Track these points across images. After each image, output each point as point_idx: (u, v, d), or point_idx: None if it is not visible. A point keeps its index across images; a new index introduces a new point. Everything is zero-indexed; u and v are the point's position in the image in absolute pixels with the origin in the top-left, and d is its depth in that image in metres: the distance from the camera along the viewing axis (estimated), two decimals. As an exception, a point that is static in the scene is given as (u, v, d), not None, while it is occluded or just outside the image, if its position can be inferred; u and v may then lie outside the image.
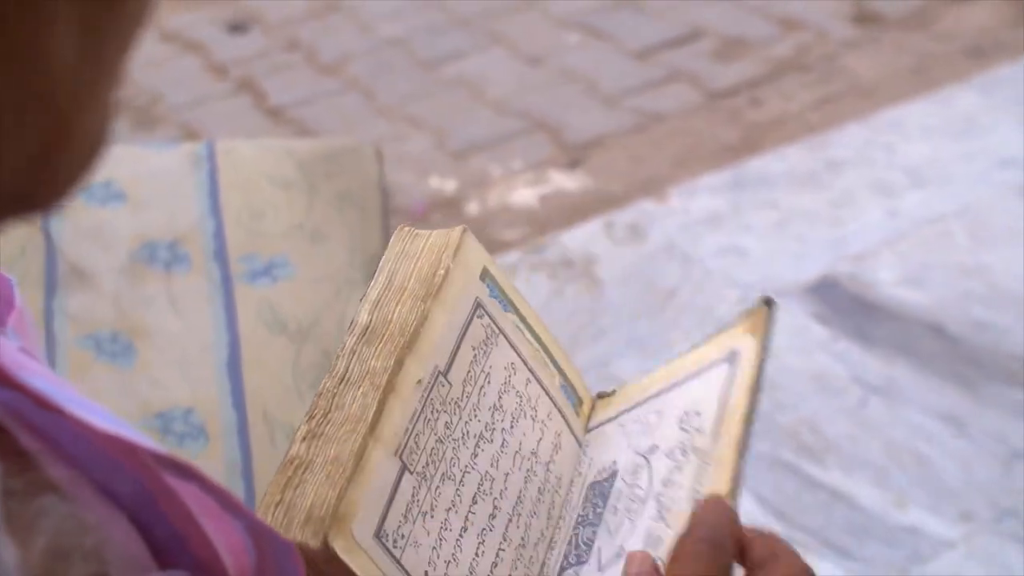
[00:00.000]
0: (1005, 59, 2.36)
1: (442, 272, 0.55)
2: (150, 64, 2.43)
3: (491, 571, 0.53)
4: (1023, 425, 1.54)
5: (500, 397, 0.56)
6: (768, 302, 0.57)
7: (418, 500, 0.51)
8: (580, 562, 0.54)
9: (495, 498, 0.54)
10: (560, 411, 0.60)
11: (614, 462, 0.58)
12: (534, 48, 2.48)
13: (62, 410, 0.34)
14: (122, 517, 0.38)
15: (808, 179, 2.04)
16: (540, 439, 0.58)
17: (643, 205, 1.98)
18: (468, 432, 0.54)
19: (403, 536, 0.49)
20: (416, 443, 0.52)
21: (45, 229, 0.97)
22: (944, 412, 1.58)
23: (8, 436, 0.36)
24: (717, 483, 0.51)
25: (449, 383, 0.54)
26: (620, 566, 0.51)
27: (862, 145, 2.13)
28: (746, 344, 0.56)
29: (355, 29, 2.56)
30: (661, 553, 0.50)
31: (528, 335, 0.60)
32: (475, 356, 0.56)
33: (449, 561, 0.51)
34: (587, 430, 0.62)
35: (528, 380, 0.58)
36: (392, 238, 0.58)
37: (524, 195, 2.06)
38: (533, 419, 0.58)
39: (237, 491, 0.83)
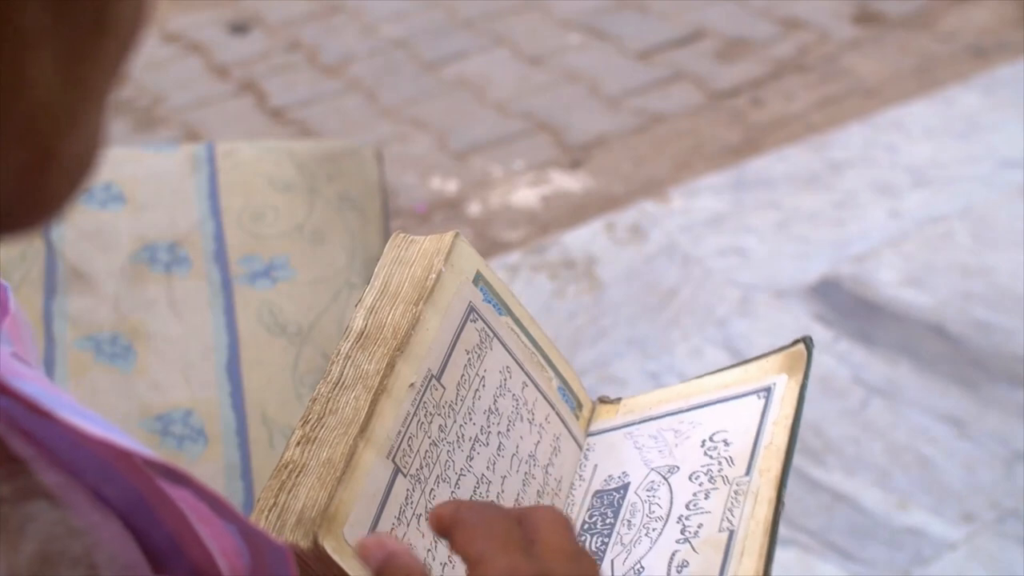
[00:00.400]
0: (1007, 59, 2.36)
1: (433, 276, 0.55)
2: (152, 65, 2.43)
3: None
4: (1025, 426, 1.54)
5: (496, 400, 0.56)
6: (806, 342, 0.57)
7: (412, 502, 0.51)
8: None
9: (492, 500, 0.54)
10: (558, 414, 0.60)
11: (624, 473, 0.57)
12: (536, 49, 2.48)
13: (53, 416, 0.34)
14: (116, 522, 0.38)
15: (810, 179, 2.04)
16: (538, 442, 0.58)
17: (644, 205, 1.98)
18: (463, 435, 0.54)
19: (397, 538, 0.49)
20: (409, 446, 0.52)
21: (45, 232, 0.97)
22: (946, 413, 1.58)
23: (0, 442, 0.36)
24: (758, 516, 0.51)
25: (442, 386, 0.54)
26: None
27: (864, 145, 2.13)
28: (781, 382, 0.56)
29: (357, 30, 2.56)
30: None
31: (524, 338, 0.60)
32: (469, 360, 0.56)
33: (445, 564, 0.51)
34: (588, 434, 0.61)
35: (524, 383, 0.58)
36: (387, 244, 0.58)
37: (526, 195, 2.06)
38: (530, 422, 0.58)
39: (236, 493, 0.83)
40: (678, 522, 0.53)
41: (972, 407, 1.58)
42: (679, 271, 1.83)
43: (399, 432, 0.51)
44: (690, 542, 0.51)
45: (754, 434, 0.54)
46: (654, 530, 0.53)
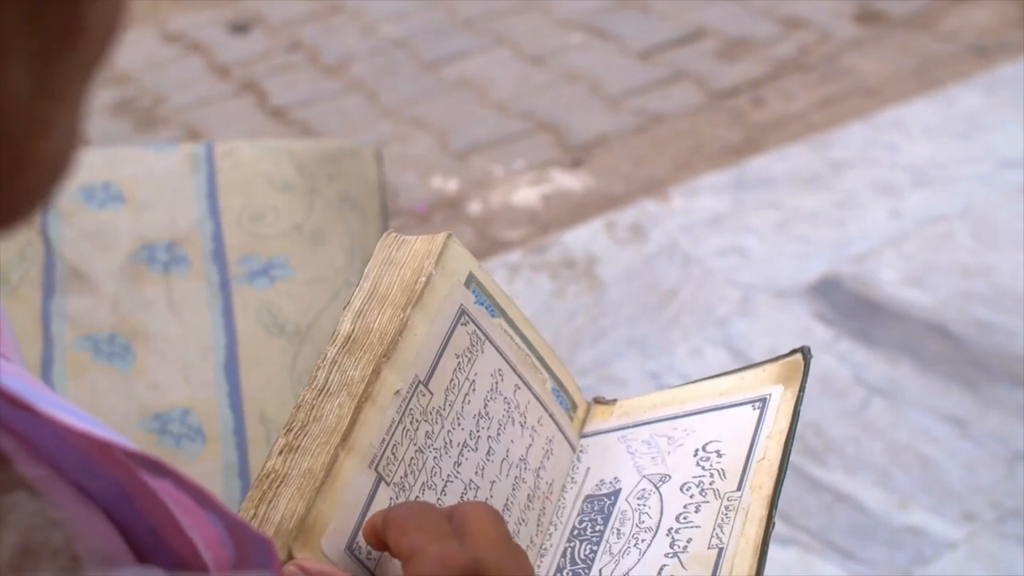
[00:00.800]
0: (1008, 59, 2.36)
1: (423, 279, 0.54)
2: (153, 65, 2.43)
3: None
4: (1026, 426, 1.54)
5: (486, 404, 0.56)
6: (804, 352, 0.56)
7: None
8: None
9: None
10: (551, 416, 0.59)
11: (616, 479, 0.57)
12: (537, 48, 2.48)
13: (34, 409, 0.34)
14: (98, 514, 0.38)
15: (810, 179, 2.04)
16: (530, 445, 0.57)
17: (645, 205, 1.98)
18: (451, 441, 0.54)
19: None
20: (394, 454, 0.51)
21: (44, 232, 0.97)
22: (947, 413, 1.58)
23: None
24: (748, 533, 0.50)
25: (430, 392, 0.53)
26: None
27: (865, 145, 2.13)
28: (776, 393, 0.55)
29: (358, 30, 2.56)
30: None
31: (517, 339, 0.59)
32: (459, 364, 0.55)
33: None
34: (582, 435, 0.61)
35: (517, 386, 0.58)
36: (378, 245, 0.57)
37: (526, 195, 2.05)
38: (522, 425, 0.57)
39: (234, 492, 0.83)
40: (667, 535, 0.52)
41: (973, 407, 1.58)
42: (679, 271, 1.83)
43: (383, 440, 0.51)
44: (679, 557, 0.51)
45: (747, 447, 0.54)
46: (643, 541, 0.52)
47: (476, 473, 0.54)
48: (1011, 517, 1.43)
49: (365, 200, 1.05)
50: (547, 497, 0.57)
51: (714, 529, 0.51)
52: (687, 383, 0.59)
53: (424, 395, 0.53)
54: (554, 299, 1.79)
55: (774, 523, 0.50)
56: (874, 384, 1.62)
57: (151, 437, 0.85)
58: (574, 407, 0.61)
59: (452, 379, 0.54)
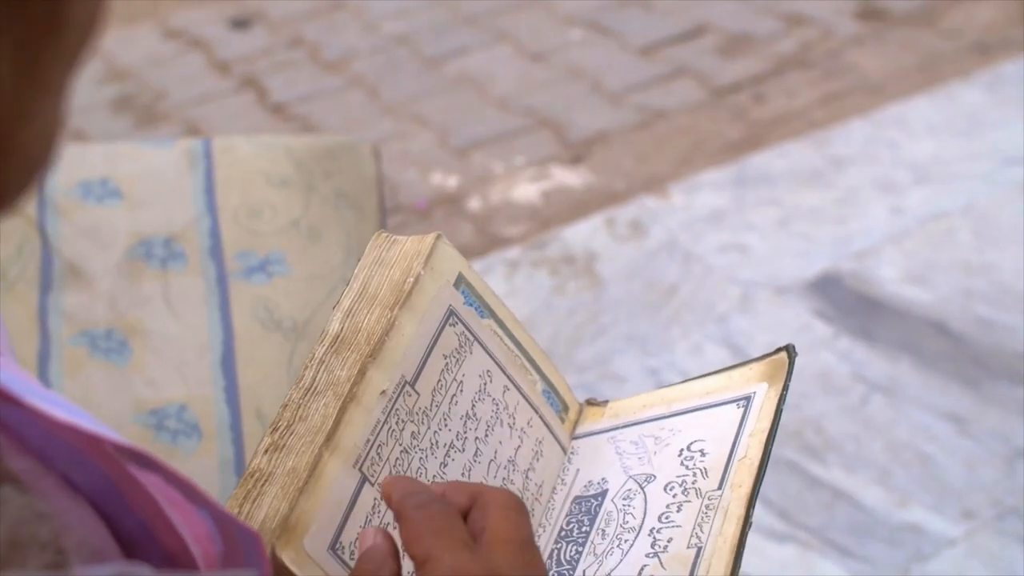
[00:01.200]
0: (1011, 56, 2.35)
1: (411, 280, 0.54)
2: (153, 61, 2.43)
3: None
4: (1026, 423, 1.54)
5: (474, 406, 0.55)
6: (788, 350, 0.56)
7: (379, 511, 0.50)
8: None
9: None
10: (541, 417, 0.59)
11: (603, 479, 0.57)
12: (538, 45, 2.47)
13: (20, 401, 0.34)
14: (86, 507, 0.38)
15: (811, 176, 2.04)
16: (519, 447, 0.57)
17: (645, 202, 1.98)
18: (437, 442, 0.53)
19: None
20: (378, 454, 0.51)
21: (41, 227, 0.97)
22: (947, 411, 1.57)
23: None
24: (726, 533, 0.50)
25: (416, 392, 0.53)
26: None
27: (866, 142, 2.12)
28: (761, 391, 0.55)
29: (359, 26, 2.56)
30: None
31: (507, 341, 0.59)
32: (446, 364, 0.55)
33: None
34: (574, 436, 0.61)
35: (506, 387, 0.57)
36: (369, 245, 0.57)
37: (526, 191, 2.05)
38: (511, 427, 0.57)
39: (230, 488, 0.82)
40: (649, 535, 0.52)
41: (973, 404, 1.58)
42: (679, 267, 1.83)
43: (368, 441, 0.51)
44: (659, 557, 0.51)
45: (730, 445, 0.54)
46: (626, 541, 0.52)
47: (463, 474, 0.54)
48: (1010, 515, 1.43)
49: (362, 197, 1.05)
50: (536, 499, 0.57)
51: (694, 528, 0.51)
52: (676, 383, 0.59)
53: (410, 395, 0.53)
54: (554, 296, 1.78)
55: (751, 523, 0.50)
56: (874, 381, 1.62)
57: (147, 433, 0.85)
58: (565, 409, 0.61)
59: (439, 380, 0.54)
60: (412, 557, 0.44)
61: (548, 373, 0.60)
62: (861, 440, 1.53)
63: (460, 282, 0.57)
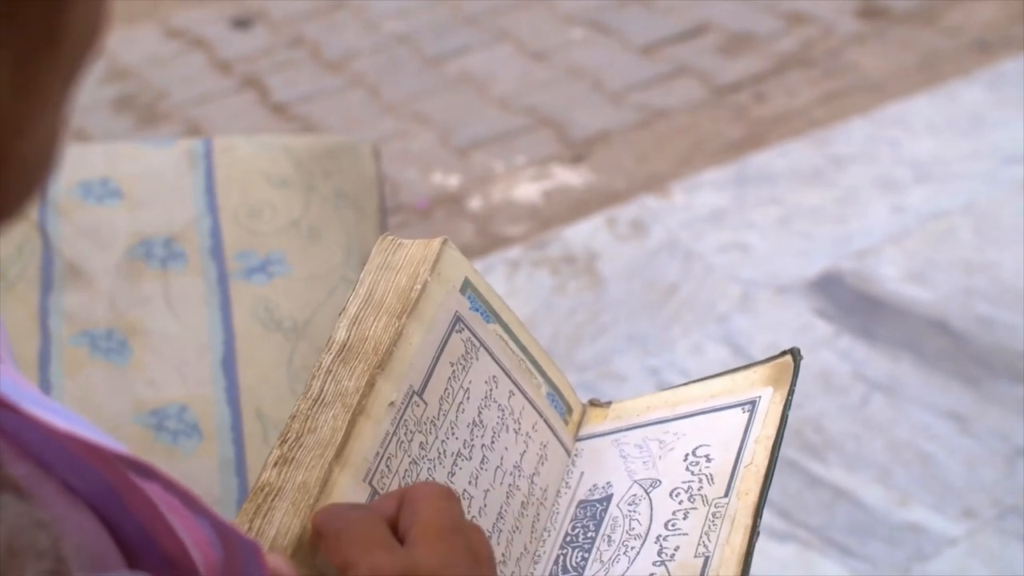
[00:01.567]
0: (1012, 54, 2.35)
1: (419, 287, 0.54)
2: (154, 61, 2.43)
3: None
4: (1027, 422, 1.54)
5: (480, 412, 0.55)
6: (794, 354, 0.55)
7: None
8: None
9: (473, 516, 0.53)
10: (546, 421, 0.59)
11: (608, 484, 0.56)
12: (539, 44, 2.47)
13: (18, 409, 0.34)
14: (86, 512, 0.38)
15: (812, 175, 2.04)
16: (524, 452, 0.57)
17: (646, 201, 1.98)
18: (445, 451, 0.53)
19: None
20: (388, 467, 0.51)
21: (42, 227, 0.97)
22: (948, 409, 1.57)
23: None
24: (733, 542, 0.50)
25: (424, 402, 0.53)
26: None
27: (866, 141, 2.12)
28: (766, 395, 0.55)
29: (360, 26, 2.56)
30: None
31: (512, 344, 0.58)
32: (453, 372, 0.54)
33: None
34: (577, 439, 0.60)
35: (511, 392, 0.57)
36: (374, 248, 0.56)
37: (527, 190, 2.05)
38: (516, 432, 0.57)
39: (230, 489, 0.83)
40: (656, 542, 0.52)
41: (974, 403, 1.58)
42: (680, 267, 1.83)
43: (377, 453, 0.50)
44: (666, 565, 0.50)
45: (736, 451, 0.53)
46: (632, 548, 0.52)
47: (470, 483, 0.53)
48: (1011, 514, 1.43)
49: (362, 196, 1.05)
50: (541, 503, 0.56)
51: (701, 537, 0.50)
52: (679, 385, 0.59)
53: (419, 405, 0.52)
54: (555, 295, 1.79)
55: (759, 533, 0.49)
56: (875, 380, 1.62)
57: (148, 433, 0.85)
58: (569, 411, 0.60)
59: (447, 388, 0.54)
60: (335, 566, 0.45)
61: (552, 376, 0.60)
62: (862, 439, 1.53)
63: (466, 287, 0.56)
